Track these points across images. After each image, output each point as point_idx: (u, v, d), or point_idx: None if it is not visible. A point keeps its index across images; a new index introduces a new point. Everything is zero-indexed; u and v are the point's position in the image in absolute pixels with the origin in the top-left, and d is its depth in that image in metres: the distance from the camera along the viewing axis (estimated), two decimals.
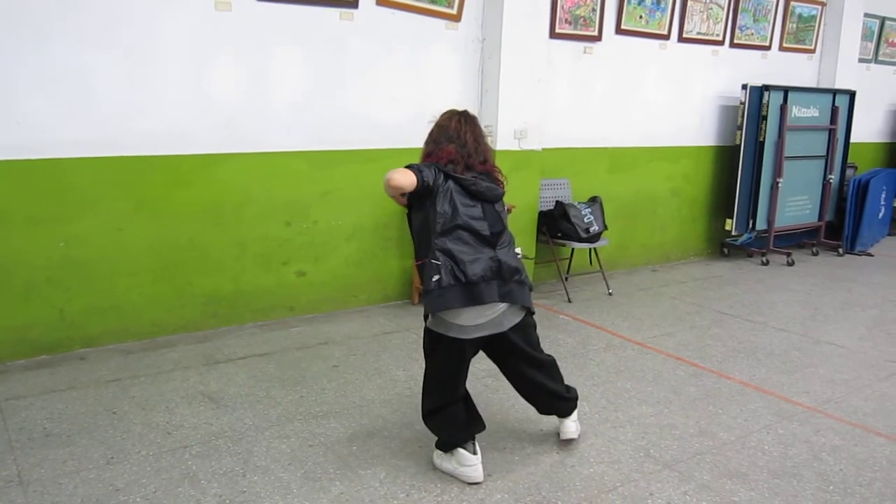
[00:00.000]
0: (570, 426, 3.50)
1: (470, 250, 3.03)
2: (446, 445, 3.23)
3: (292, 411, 3.81)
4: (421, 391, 3.33)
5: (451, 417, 3.22)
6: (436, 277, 2.98)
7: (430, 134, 3.26)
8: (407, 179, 2.98)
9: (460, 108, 3.33)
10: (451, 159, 3.12)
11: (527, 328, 3.24)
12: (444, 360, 3.18)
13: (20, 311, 4.28)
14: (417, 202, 3.11)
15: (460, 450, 3.17)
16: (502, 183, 3.26)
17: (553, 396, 3.42)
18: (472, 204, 3.09)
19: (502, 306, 3.08)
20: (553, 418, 3.58)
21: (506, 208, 3.30)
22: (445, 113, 3.30)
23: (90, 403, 3.81)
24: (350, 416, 3.77)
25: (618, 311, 5.73)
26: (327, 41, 5.04)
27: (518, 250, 3.61)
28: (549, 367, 3.40)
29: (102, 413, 3.71)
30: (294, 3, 4.84)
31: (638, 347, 4.94)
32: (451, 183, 3.07)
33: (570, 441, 3.51)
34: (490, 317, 3.07)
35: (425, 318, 3.19)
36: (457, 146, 3.14)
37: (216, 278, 4.89)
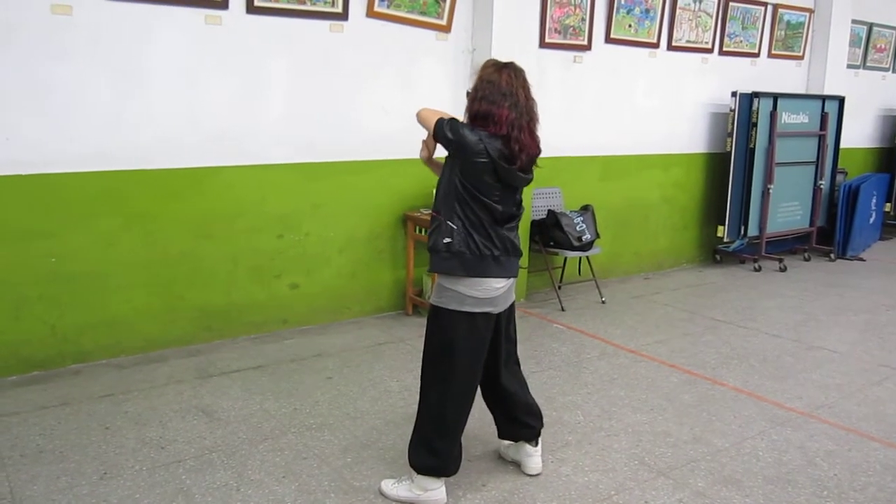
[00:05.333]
0: (537, 460, 3.34)
1: (484, 225, 2.92)
2: (428, 470, 3.06)
3: (286, 424, 3.80)
4: (417, 412, 3.11)
5: (452, 442, 3.06)
6: (447, 240, 2.90)
7: (478, 90, 2.91)
8: (428, 122, 2.97)
9: (503, 60, 3.01)
10: (511, 124, 2.84)
11: (513, 308, 3.21)
12: (470, 349, 2.98)
13: (12, 326, 4.26)
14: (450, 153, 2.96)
15: (439, 480, 3.07)
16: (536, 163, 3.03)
17: (529, 398, 3.32)
18: (497, 186, 2.91)
19: (512, 280, 3.07)
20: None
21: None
22: (489, 63, 2.99)
23: (83, 419, 3.79)
24: (344, 428, 3.76)
25: (611, 319, 5.74)
26: (317, 53, 5.06)
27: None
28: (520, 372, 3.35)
29: (95, 428, 3.69)
30: (284, 15, 4.85)
31: (631, 355, 4.94)
32: (489, 163, 2.85)
33: (533, 474, 3.34)
34: (506, 289, 3.03)
35: (433, 315, 3.00)
36: (513, 108, 2.86)
37: (208, 292, 4.88)
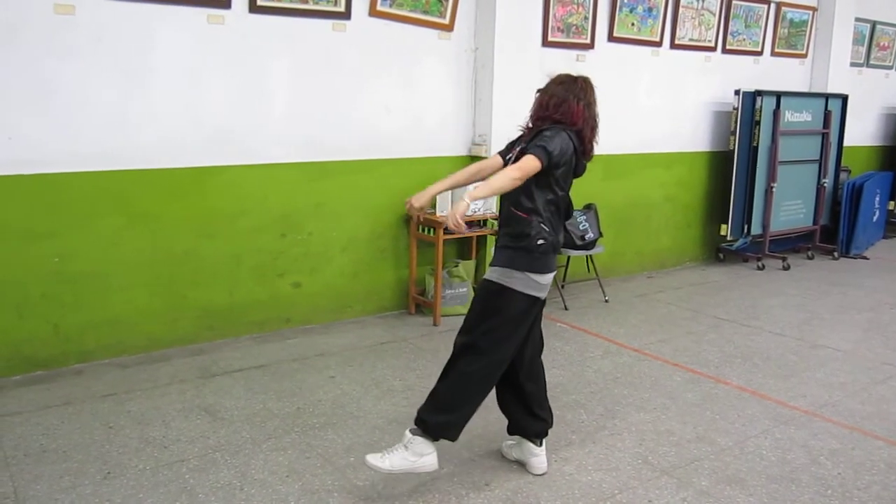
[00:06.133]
0: (542, 459, 3.36)
1: (558, 220, 3.16)
2: (440, 428, 3.10)
3: (289, 423, 3.80)
4: (444, 378, 3.15)
5: (471, 410, 3.14)
6: (541, 241, 3.06)
7: (550, 92, 3.16)
8: (503, 183, 3.00)
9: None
10: (584, 118, 3.12)
11: None
12: (517, 320, 3.11)
13: (15, 326, 4.26)
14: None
15: (432, 445, 3.10)
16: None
17: (545, 394, 3.40)
18: (570, 179, 3.19)
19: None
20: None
21: None
22: (563, 74, 3.22)
23: (86, 419, 3.80)
24: (347, 427, 3.76)
25: (614, 318, 5.73)
26: (320, 52, 5.05)
27: None
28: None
29: (99, 428, 3.69)
30: (286, 15, 4.85)
31: (635, 354, 4.94)
32: (574, 154, 3.11)
33: (538, 474, 3.36)
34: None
35: (496, 291, 3.09)
36: (585, 106, 3.13)
37: (211, 291, 4.88)
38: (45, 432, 3.64)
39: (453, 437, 3.15)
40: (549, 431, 3.41)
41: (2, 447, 3.47)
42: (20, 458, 3.37)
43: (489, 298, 3.14)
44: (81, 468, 3.30)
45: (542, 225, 3.07)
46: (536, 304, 3.16)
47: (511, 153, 3.19)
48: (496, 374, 3.16)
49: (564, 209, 3.19)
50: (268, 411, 3.93)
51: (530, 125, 3.22)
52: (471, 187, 3.25)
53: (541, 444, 3.36)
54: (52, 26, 4.13)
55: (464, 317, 3.22)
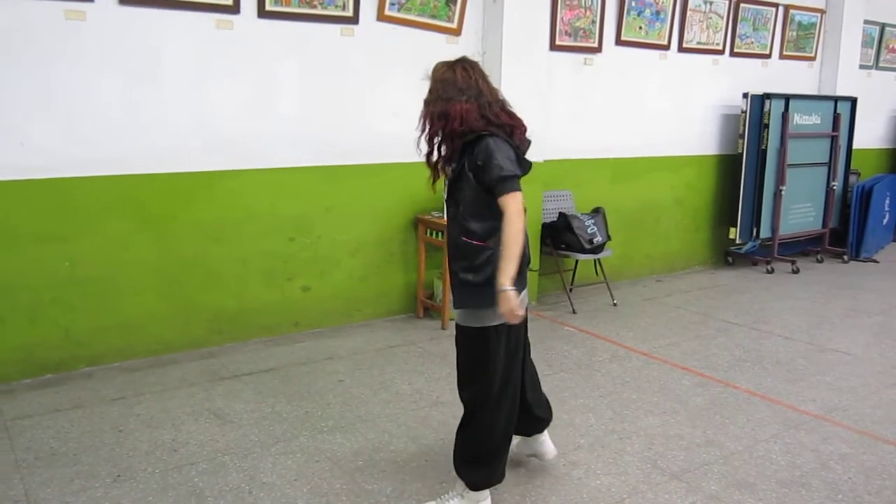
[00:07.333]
0: (549, 442, 3.32)
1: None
2: (482, 486, 2.97)
3: (298, 427, 3.80)
4: (466, 432, 2.99)
5: (503, 448, 2.99)
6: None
7: (433, 91, 2.84)
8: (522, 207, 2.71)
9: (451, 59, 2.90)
10: (478, 115, 2.75)
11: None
12: (511, 352, 2.89)
13: (26, 330, 4.29)
14: (472, 171, 2.76)
15: (486, 491, 2.99)
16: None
17: (541, 392, 3.31)
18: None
19: None
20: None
21: None
22: (440, 65, 2.88)
23: (96, 422, 3.81)
24: (356, 431, 3.77)
25: (623, 322, 5.72)
26: (328, 57, 5.07)
27: None
28: None
29: (108, 431, 3.71)
30: (295, 19, 4.87)
31: (643, 358, 4.93)
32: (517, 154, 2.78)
33: (552, 457, 3.35)
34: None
35: (473, 335, 2.83)
36: (472, 99, 2.76)
37: (220, 295, 4.90)
38: (55, 435, 3.65)
39: (500, 480, 3.02)
40: (556, 435, 3.37)
41: (13, 450, 3.49)
42: (31, 461, 3.39)
43: (472, 347, 2.88)
44: (91, 471, 3.31)
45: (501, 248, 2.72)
46: (517, 328, 2.91)
47: (438, 174, 2.91)
48: (516, 404, 3.01)
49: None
50: (277, 415, 3.94)
51: (427, 147, 2.88)
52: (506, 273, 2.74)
53: (542, 432, 3.32)
54: (63, 32, 4.16)
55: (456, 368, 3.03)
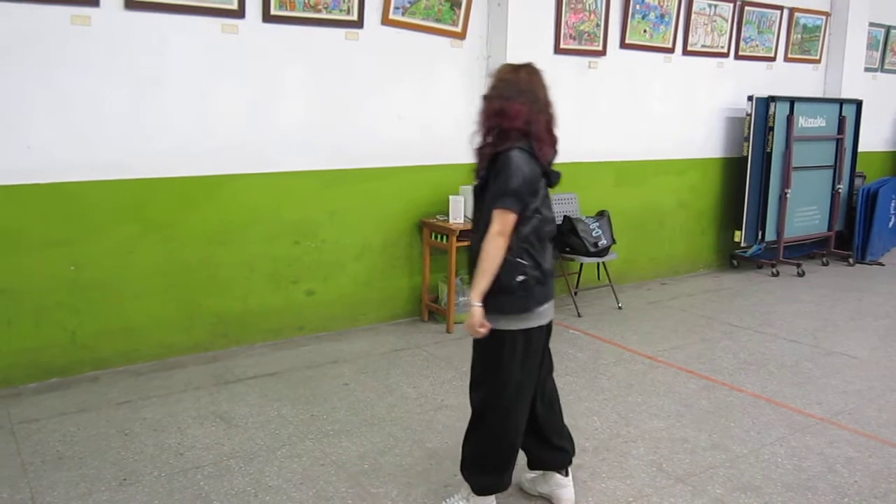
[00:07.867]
0: (570, 490, 3.15)
1: (541, 246, 2.87)
2: (486, 492, 2.97)
3: (303, 430, 3.81)
4: (474, 435, 2.99)
5: (511, 456, 2.97)
6: (521, 278, 2.78)
7: (495, 88, 2.86)
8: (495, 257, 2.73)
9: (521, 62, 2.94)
10: (526, 119, 2.78)
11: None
12: (527, 360, 2.88)
13: (32, 334, 4.30)
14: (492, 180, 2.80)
15: (492, 497, 2.99)
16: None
17: (562, 421, 3.20)
18: (546, 193, 2.90)
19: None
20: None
21: None
22: (505, 66, 2.93)
23: (102, 425, 3.82)
24: (361, 435, 3.77)
25: (628, 325, 5.72)
26: (333, 61, 5.08)
27: None
28: None
29: (114, 435, 3.72)
30: (299, 24, 4.89)
31: (648, 361, 4.92)
32: (542, 176, 2.84)
33: None
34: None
35: (494, 340, 2.83)
36: (528, 103, 2.79)
37: (225, 299, 4.90)
38: (61, 439, 3.66)
39: (506, 488, 3.01)
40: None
41: (19, 454, 3.50)
42: (37, 465, 3.40)
43: (488, 349, 2.89)
44: (97, 475, 3.32)
45: (520, 260, 2.77)
46: (542, 332, 2.94)
47: (477, 180, 2.93)
48: (526, 412, 2.97)
49: (548, 231, 2.90)
50: (282, 418, 3.94)
51: (481, 141, 2.90)
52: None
53: (567, 474, 3.16)
54: (69, 37, 4.17)
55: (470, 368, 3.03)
